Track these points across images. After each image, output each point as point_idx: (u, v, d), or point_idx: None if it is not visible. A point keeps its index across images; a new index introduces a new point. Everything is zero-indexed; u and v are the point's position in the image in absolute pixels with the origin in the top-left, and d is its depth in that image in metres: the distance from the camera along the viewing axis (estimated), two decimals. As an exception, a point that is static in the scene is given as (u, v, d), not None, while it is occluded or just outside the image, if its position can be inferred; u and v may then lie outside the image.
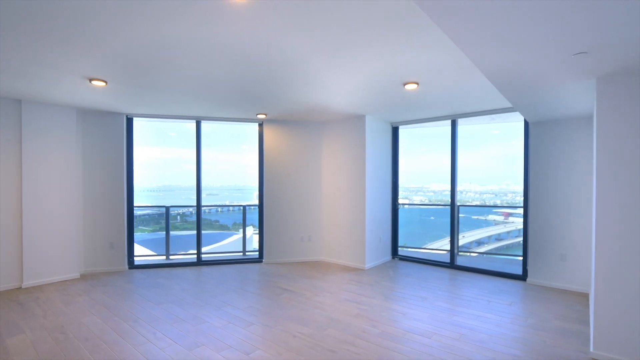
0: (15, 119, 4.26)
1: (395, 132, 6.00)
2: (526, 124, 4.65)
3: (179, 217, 7.17)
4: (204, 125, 5.65)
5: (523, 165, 4.71)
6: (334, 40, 2.56)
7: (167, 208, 6.13)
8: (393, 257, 5.99)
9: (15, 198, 4.25)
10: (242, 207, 6.53)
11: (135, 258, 5.39)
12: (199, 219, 5.61)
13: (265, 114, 5.23)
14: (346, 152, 5.54)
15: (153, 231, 7.23)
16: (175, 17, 2.24)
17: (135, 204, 5.41)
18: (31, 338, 2.92)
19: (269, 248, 5.69)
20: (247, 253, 6.27)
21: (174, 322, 3.25)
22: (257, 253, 5.81)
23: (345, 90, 3.90)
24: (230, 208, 7.37)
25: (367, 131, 5.32)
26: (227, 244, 7.54)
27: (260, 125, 5.72)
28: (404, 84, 3.63)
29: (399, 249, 6.05)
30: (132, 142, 5.28)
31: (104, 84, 3.59)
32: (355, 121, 5.41)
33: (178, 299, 3.91)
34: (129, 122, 5.25)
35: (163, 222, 6.29)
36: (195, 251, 5.59)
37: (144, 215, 7.15)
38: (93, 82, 3.51)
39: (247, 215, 6.49)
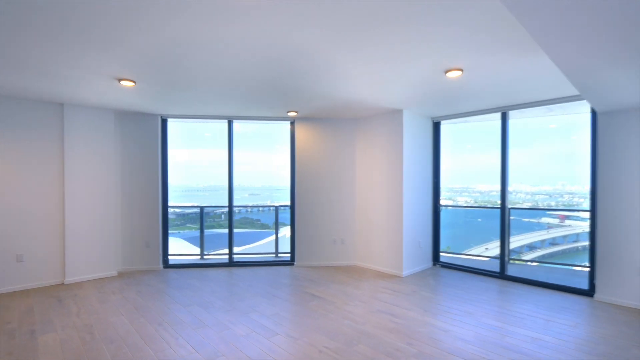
0: (58, 122, 4.44)
1: (436, 127, 5.53)
2: (593, 114, 4.00)
3: (223, 215, 7.19)
4: (245, 126, 5.60)
5: (590, 162, 4.06)
6: (363, 24, 2.27)
7: (202, 208, 6.17)
8: (434, 264, 5.52)
9: (58, 197, 4.44)
10: (274, 208, 6.40)
11: (170, 257, 5.46)
12: (231, 220, 5.56)
13: (296, 112, 5.03)
14: (381, 150, 5.18)
15: (199, 229, 7.32)
16: (197, 14, 2.08)
17: (173, 204, 5.49)
18: (61, 337, 2.95)
19: (300, 250, 5.49)
20: (279, 255, 6.13)
21: (198, 327, 3.14)
22: (289, 255, 5.64)
23: (378, 82, 3.57)
24: (271, 208, 7.27)
25: (405, 127, 4.92)
26: (266, 244, 7.46)
27: (292, 123, 5.54)
28: (446, 71, 3.23)
29: (441, 254, 5.57)
30: (166, 143, 5.35)
31: (132, 84, 3.59)
32: (392, 116, 5.03)
33: (206, 301, 3.83)
34: (164, 123, 5.31)
35: (210, 220, 6.37)
36: (227, 252, 5.55)
37: (191, 213, 7.25)
38: (122, 82, 3.52)
39: (283, 215, 6.35)
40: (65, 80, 3.48)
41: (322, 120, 5.49)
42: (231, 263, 5.48)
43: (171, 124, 5.40)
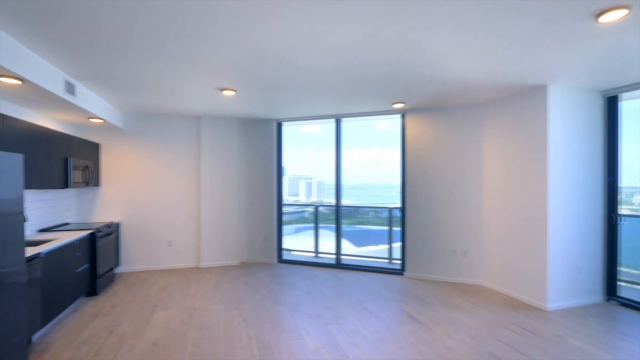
0: (197, 132, 5.31)
1: (611, 105, 3.85)
2: None
3: (371, 212, 7.11)
4: (391, 122, 5.36)
5: None
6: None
7: (317, 207, 6.28)
8: (607, 299, 3.88)
9: (196, 194, 5.31)
10: (388, 209, 5.89)
11: (285, 252, 5.77)
12: (338, 220, 5.41)
13: (403, 103, 4.43)
14: (517, 141, 3.98)
15: (349, 224, 7.27)
16: (295, 15, 2.03)
17: (287, 202, 5.81)
18: (171, 315, 3.43)
19: (412, 259, 4.83)
20: (393, 261, 5.60)
21: (274, 331, 3.09)
22: (400, 263, 5.05)
23: (500, 47, 2.66)
24: (375, 209, 6.78)
25: (551, 108, 3.61)
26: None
27: (403, 116, 4.93)
28: (598, 15, 2.10)
29: (619, 284, 3.86)
30: (281, 145, 5.66)
31: (233, 93, 3.87)
32: (531, 96, 3.79)
33: (296, 303, 3.78)
34: (279, 126, 5.63)
35: (359, 216, 6.47)
36: (342, 252, 5.43)
37: (343, 208, 7.49)
38: (224, 92, 3.84)
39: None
40: (187, 96, 4.06)
41: (437, 110, 4.66)
42: (338, 265, 5.34)
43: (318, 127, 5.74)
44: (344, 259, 5.44)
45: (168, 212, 5.18)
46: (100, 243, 4.03)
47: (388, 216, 5.84)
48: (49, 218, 4.08)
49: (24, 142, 3.04)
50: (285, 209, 5.81)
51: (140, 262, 5.08)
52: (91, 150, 4.56)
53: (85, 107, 3.66)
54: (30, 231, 3.67)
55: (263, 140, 5.59)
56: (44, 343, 2.84)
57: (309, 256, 6.03)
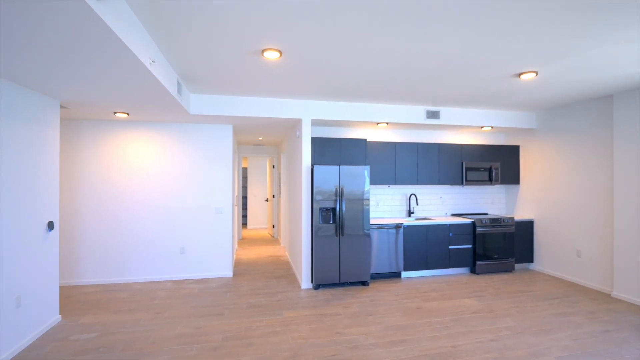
0: (607, 116, 3.97)
1: None
2: None
3: None
4: None
5: None
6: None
7: None
8: None
9: (608, 196, 3.99)
10: None
11: None
12: None
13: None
14: None
15: None
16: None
17: None
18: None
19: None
20: None
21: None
22: None
23: None
24: None
25: None
26: None
27: None
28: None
29: None
30: None
31: None
32: None
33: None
34: None
35: None
36: None
37: None
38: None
39: None
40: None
41: None
42: None
43: None
44: None
45: (576, 216, 4.38)
46: (481, 232, 4.79)
47: None
48: (464, 207, 5.44)
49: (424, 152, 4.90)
50: None
51: (549, 265, 4.80)
52: (500, 153, 5.21)
53: (453, 123, 4.74)
54: (444, 214, 5.37)
55: None
56: (393, 281, 4.58)
57: None
